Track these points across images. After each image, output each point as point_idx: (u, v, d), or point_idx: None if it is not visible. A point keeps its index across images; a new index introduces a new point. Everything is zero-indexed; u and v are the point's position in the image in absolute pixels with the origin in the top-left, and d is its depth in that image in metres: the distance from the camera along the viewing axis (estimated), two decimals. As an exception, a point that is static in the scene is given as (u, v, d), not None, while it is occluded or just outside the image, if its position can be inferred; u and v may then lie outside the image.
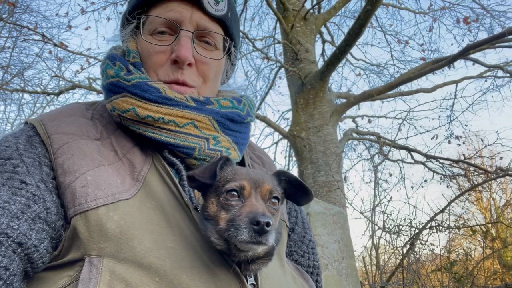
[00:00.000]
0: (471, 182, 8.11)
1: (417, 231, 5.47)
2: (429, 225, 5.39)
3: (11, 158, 1.06)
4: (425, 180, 9.35)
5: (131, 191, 1.05)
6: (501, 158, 7.67)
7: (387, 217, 6.26)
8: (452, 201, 5.34)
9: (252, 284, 1.05)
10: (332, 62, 7.11)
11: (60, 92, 8.67)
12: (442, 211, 5.33)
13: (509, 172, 5.75)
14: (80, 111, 1.27)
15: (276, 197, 1.06)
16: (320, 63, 9.44)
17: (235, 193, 0.99)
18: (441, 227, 5.35)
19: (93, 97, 8.97)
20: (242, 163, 1.42)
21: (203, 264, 0.99)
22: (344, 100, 8.35)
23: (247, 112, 1.37)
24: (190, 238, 1.02)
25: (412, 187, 9.26)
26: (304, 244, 1.50)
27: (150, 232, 0.99)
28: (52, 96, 9.35)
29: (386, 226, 6.10)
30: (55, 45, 7.83)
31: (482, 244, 5.46)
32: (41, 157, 1.08)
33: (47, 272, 0.99)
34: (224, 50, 1.39)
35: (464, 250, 5.93)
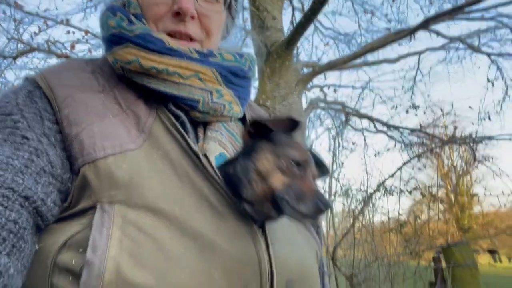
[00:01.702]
0: (429, 150, 8.58)
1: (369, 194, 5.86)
2: (380, 189, 5.79)
3: (11, 114, 1.05)
4: (388, 149, 9.80)
5: (138, 142, 1.06)
6: (455, 127, 8.14)
7: (338, 182, 6.63)
8: (400, 167, 5.72)
9: (259, 227, 1.06)
10: (298, 31, 7.11)
11: (18, 56, 8.28)
12: (391, 176, 5.73)
13: (456, 140, 6.14)
14: (81, 65, 1.26)
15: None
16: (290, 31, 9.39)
17: (298, 163, 1.02)
18: (389, 191, 5.76)
19: (53, 61, 8.59)
20: (244, 120, 1.42)
21: (211, 208, 1.01)
22: (310, 70, 8.45)
23: (249, 67, 1.36)
24: (198, 184, 1.04)
25: (375, 155, 9.64)
26: None
27: (158, 180, 1.01)
28: (10, 59, 8.92)
29: (341, 191, 6.48)
30: (9, 4, 7.41)
31: (429, 207, 5.91)
32: (42, 112, 1.08)
33: (58, 223, 1.01)
34: (225, 3, 1.36)
35: (414, 212, 6.39)
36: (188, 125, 1.16)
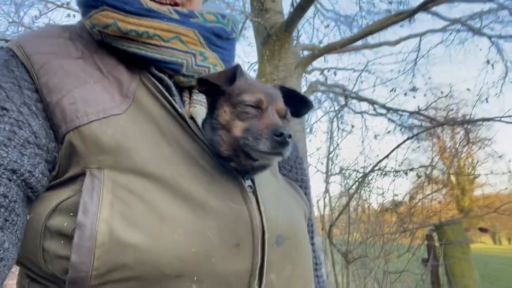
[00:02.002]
0: (427, 131, 8.67)
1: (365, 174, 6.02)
2: (375, 169, 5.94)
3: None
4: (388, 131, 9.89)
5: (122, 107, 1.04)
6: (451, 109, 8.22)
7: (334, 163, 6.77)
8: (395, 148, 5.85)
9: (249, 186, 1.07)
10: (298, 14, 7.14)
11: (20, 40, 8.34)
12: (386, 156, 5.87)
13: (450, 122, 6.25)
14: (57, 31, 1.21)
15: (286, 113, 1.08)
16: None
17: (252, 105, 1.00)
18: (383, 171, 5.93)
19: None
20: None
21: (200, 168, 1.01)
22: (310, 52, 8.48)
23: (232, 28, 1.31)
24: (185, 146, 1.03)
25: (375, 137, 9.74)
26: (291, 160, 1.50)
27: (146, 144, 1.00)
28: (12, 43, 8.98)
29: (339, 171, 6.64)
30: (10, -12, 7.45)
31: (423, 186, 6.07)
32: (20, 80, 1.04)
33: (49, 191, 1.00)
34: None
35: (409, 193, 6.57)
36: (174, 89, 1.14)
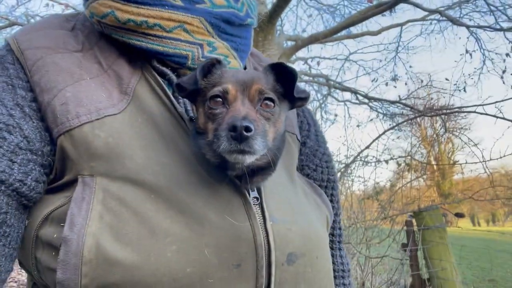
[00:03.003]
0: (407, 120, 8.92)
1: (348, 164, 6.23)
2: (357, 159, 6.14)
3: None
4: (371, 120, 10.11)
5: (120, 106, 0.96)
6: (431, 98, 8.46)
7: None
8: (376, 139, 6.05)
9: (255, 197, 0.96)
10: (280, 5, 7.18)
11: (-3, 31, 8.14)
12: (367, 147, 6.07)
13: (428, 112, 6.47)
14: (58, 23, 1.13)
15: (269, 98, 0.91)
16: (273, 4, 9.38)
17: (219, 99, 0.89)
18: (365, 161, 6.15)
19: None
20: None
21: (200, 179, 0.92)
22: (293, 43, 8.54)
23: (247, 12, 1.16)
24: (185, 152, 0.95)
25: (358, 126, 9.96)
26: (316, 158, 1.34)
27: (143, 148, 0.92)
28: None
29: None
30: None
31: (400, 175, 6.31)
32: (14, 79, 0.98)
33: (47, 195, 0.96)
34: None
35: (390, 181, 6.81)
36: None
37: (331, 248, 1.35)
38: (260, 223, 0.92)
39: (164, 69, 1.06)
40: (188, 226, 0.86)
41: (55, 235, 0.86)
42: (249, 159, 0.85)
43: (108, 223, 0.83)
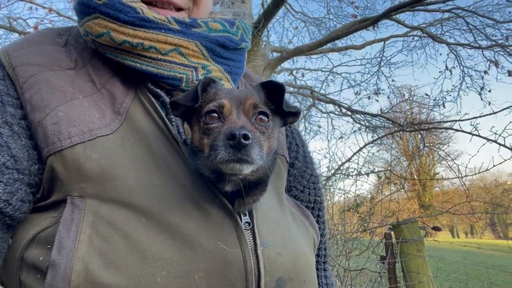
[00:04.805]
0: (388, 134, 9.08)
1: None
2: (337, 172, 6.21)
3: None
4: (354, 131, 10.25)
5: (112, 126, 0.95)
6: (412, 112, 8.65)
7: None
8: (356, 152, 6.14)
9: (247, 222, 0.96)
10: (266, 17, 7.26)
11: (-23, 33, 7.97)
12: (348, 160, 6.15)
13: (408, 128, 6.61)
14: (50, 37, 1.11)
15: (263, 113, 0.92)
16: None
17: (215, 114, 0.89)
18: (346, 174, 6.22)
19: (15, 37, 8.33)
20: None
21: (193, 202, 0.91)
22: (279, 54, 8.62)
23: (241, 37, 1.19)
24: (178, 174, 0.94)
25: (340, 138, 10.08)
26: (304, 179, 1.35)
27: (135, 170, 0.91)
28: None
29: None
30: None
31: (379, 188, 6.41)
32: (4, 96, 0.95)
33: (33, 214, 0.95)
34: None
35: (370, 193, 6.89)
36: None
37: (317, 269, 1.37)
38: (251, 248, 0.92)
39: (158, 90, 1.07)
40: (179, 251, 0.85)
41: (41, 258, 0.84)
42: (246, 169, 0.83)
43: (98, 247, 0.82)
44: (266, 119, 0.92)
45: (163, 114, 1.01)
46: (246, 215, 0.97)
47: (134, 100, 1.02)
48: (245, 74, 1.41)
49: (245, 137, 0.78)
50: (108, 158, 0.91)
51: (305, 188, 1.35)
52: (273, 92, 0.95)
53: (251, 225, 0.96)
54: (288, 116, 1.00)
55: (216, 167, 0.85)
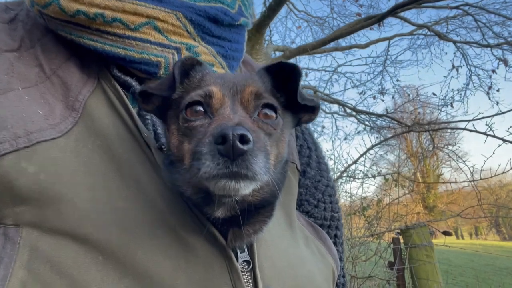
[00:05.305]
0: (395, 136, 8.87)
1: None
2: (343, 175, 6.01)
3: None
4: (358, 132, 10.06)
5: (62, 126, 0.71)
6: (419, 113, 8.44)
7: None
8: (363, 154, 5.94)
9: (246, 261, 0.71)
10: (269, 15, 7.07)
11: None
12: (354, 162, 5.94)
13: (416, 127, 6.40)
14: None
15: (269, 105, 0.67)
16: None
17: (199, 108, 0.64)
18: (352, 176, 6.01)
19: None
20: None
21: (170, 233, 0.67)
22: (282, 54, 8.44)
23: (239, 10, 0.92)
24: (151, 194, 0.70)
25: (345, 139, 9.89)
26: (318, 191, 1.09)
27: (90, 187, 0.67)
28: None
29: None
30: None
31: (389, 191, 6.21)
32: None
33: None
34: None
35: (377, 196, 6.69)
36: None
37: None
38: None
39: (128, 79, 0.81)
40: None
41: None
42: (245, 189, 0.58)
43: None
44: (274, 114, 0.67)
45: (134, 111, 0.77)
46: (244, 251, 0.72)
47: (95, 92, 0.77)
48: (245, 61, 1.10)
49: (243, 138, 0.54)
50: (51, 171, 0.67)
51: (319, 202, 1.09)
52: (284, 79, 0.70)
53: (251, 265, 0.71)
54: (303, 112, 0.74)
55: (200, 185, 0.61)
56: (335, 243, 1.08)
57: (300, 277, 0.79)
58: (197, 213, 0.69)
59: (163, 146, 0.76)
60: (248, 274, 0.70)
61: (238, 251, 0.71)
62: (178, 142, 0.65)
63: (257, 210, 0.68)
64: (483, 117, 5.05)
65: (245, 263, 0.71)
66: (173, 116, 0.69)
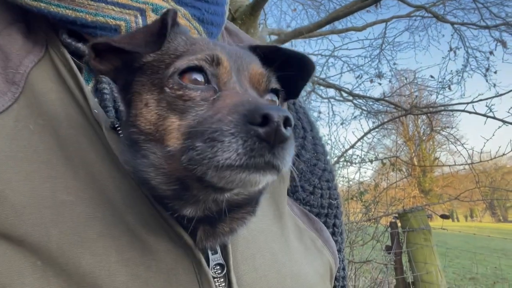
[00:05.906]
0: (392, 119, 8.81)
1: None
2: (341, 159, 5.96)
3: None
4: (355, 117, 9.97)
5: (0, 103, 0.61)
6: (416, 96, 8.37)
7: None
8: (360, 139, 5.87)
9: (219, 264, 0.60)
10: (262, -4, 6.90)
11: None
12: (352, 147, 5.89)
13: (414, 111, 6.33)
14: None
15: (276, 91, 0.61)
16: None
17: (200, 76, 0.54)
18: (349, 161, 5.97)
19: None
20: None
21: (125, 232, 0.56)
22: (277, 37, 8.27)
23: None
24: (104, 183, 0.58)
25: (342, 124, 9.81)
26: (314, 176, 0.97)
27: (28, 177, 0.56)
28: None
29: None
30: None
31: (385, 175, 6.18)
32: None
33: None
34: None
35: (374, 180, 6.66)
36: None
37: None
38: None
39: (80, 45, 0.69)
40: None
41: None
42: (263, 183, 0.49)
43: None
44: (277, 101, 0.61)
45: (84, 83, 0.63)
46: (217, 253, 0.60)
47: (41, 62, 0.65)
48: (229, 30, 0.97)
49: (287, 122, 0.45)
50: None
51: (316, 188, 0.96)
52: (287, 67, 0.61)
53: (225, 269, 0.59)
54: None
55: (185, 172, 0.49)
56: (333, 233, 0.98)
57: (288, 279, 0.68)
58: (160, 209, 0.56)
59: (116, 125, 0.62)
60: (222, 280, 0.59)
61: (210, 253, 0.59)
62: (157, 116, 0.53)
63: (238, 207, 0.57)
64: (482, 99, 4.98)
65: (218, 267, 0.60)
66: (147, 83, 0.57)
